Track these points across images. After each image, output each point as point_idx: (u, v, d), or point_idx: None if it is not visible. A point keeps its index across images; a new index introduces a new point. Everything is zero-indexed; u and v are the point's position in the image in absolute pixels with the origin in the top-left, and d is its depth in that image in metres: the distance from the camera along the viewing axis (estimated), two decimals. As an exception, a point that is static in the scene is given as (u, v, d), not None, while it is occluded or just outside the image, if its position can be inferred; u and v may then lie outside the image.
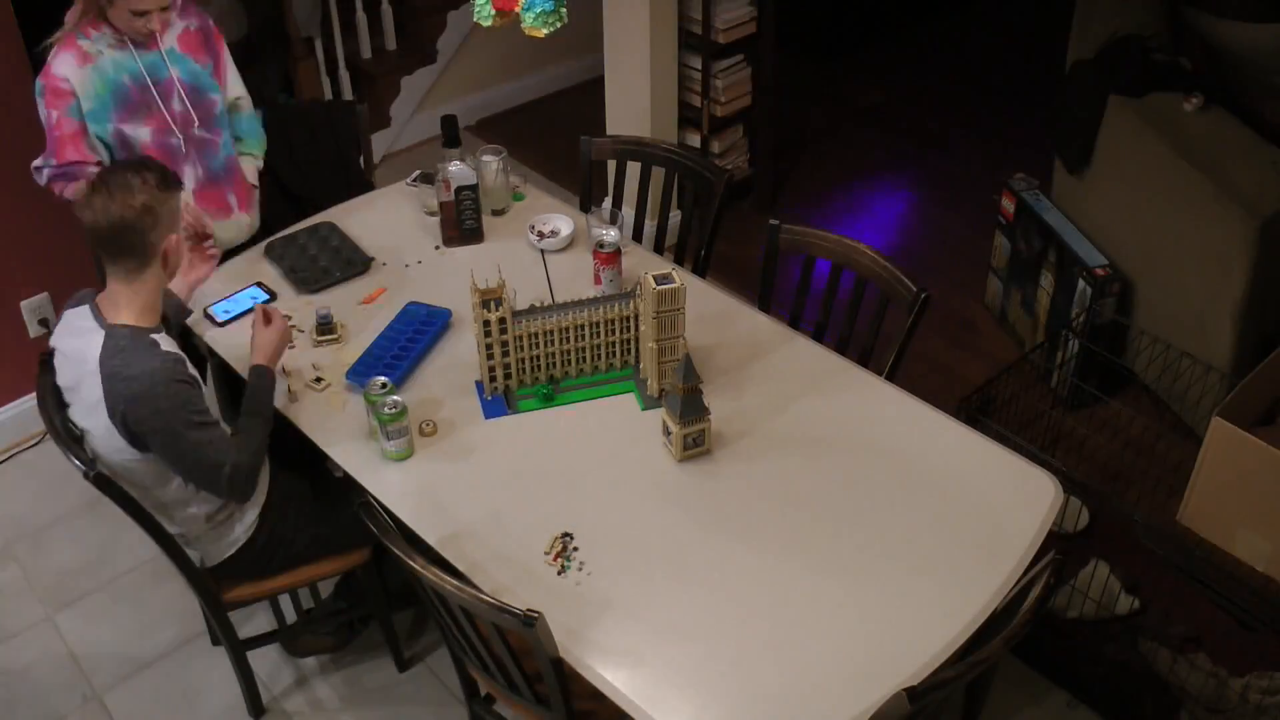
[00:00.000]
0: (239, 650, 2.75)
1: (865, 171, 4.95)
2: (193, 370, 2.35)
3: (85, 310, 2.37)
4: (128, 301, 2.33)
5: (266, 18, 4.50)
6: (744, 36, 4.23)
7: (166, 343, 2.36)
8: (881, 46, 5.79)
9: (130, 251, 2.27)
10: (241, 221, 3.11)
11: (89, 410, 2.33)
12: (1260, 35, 3.41)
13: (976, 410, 2.95)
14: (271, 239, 3.04)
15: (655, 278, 2.47)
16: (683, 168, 3.20)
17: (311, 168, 3.51)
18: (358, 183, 3.43)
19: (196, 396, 2.32)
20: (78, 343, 2.35)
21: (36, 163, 2.90)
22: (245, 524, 2.54)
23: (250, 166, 3.15)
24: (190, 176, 2.96)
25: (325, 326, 2.78)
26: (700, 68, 4.22)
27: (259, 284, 2.93)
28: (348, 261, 2.99)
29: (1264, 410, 3.02)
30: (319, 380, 2.65)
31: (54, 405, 2.47)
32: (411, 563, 2.06)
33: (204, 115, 2.95)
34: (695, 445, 2.40)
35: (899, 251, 4.40)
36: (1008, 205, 3.92)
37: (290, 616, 3.00)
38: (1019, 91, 5.31)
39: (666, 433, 2.42)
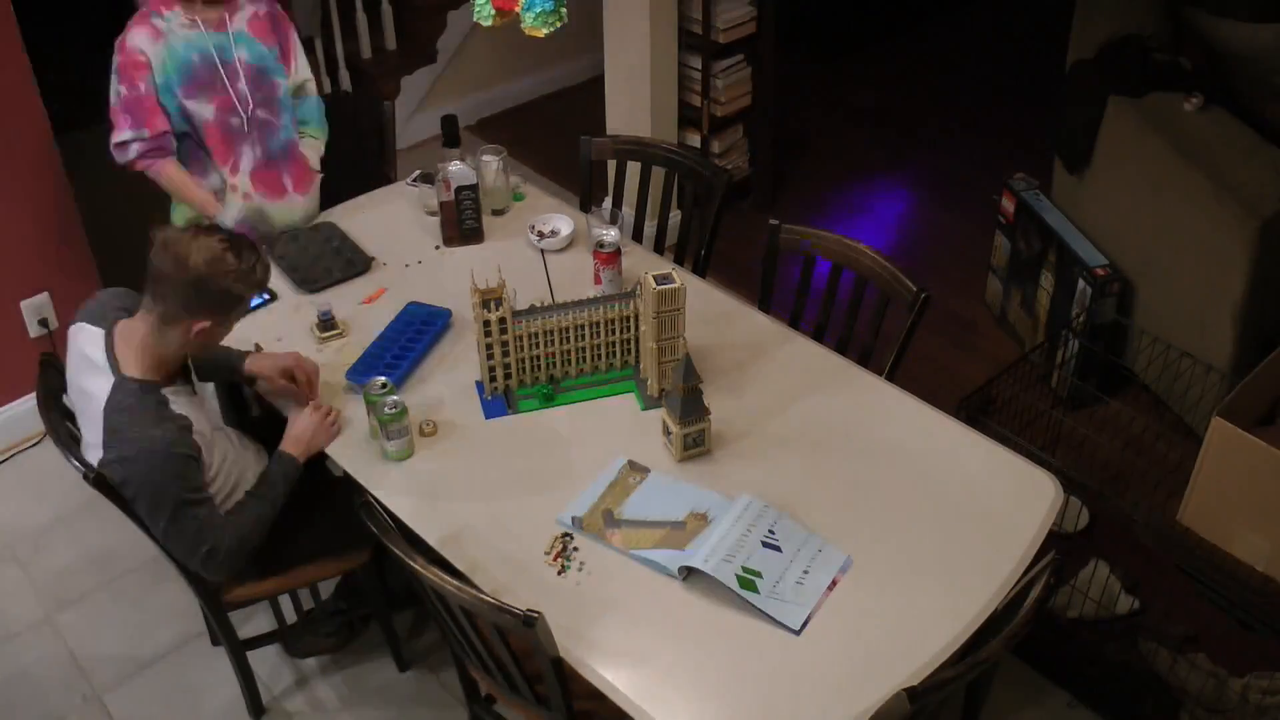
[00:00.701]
0: (239, 650, 2.75)
1: (865, 171, 4.95)
2: (197, 438, 2.29)
3: (100, 340, 2.31)
4: (143, 346, 2.28)
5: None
6: (744, 36, 4.23)
7: (178, 401, 2.30)
8: (882, 47, 5.79)
9: (167, 300, 2.23)
10: (295, 203, 3.14)
11: (89, 442, 2.34)
12: (1260, 35, 3.41)
13: (976, 410, 2.95)
14: (273, 236, 3.05)
15: (655, 278, 2.47)
16: (683, 168, 3.20)
17: (330, 160, 3.52)
18: (374, 178, 3.43)
19: (193, 472, 2.27)
20: (88, 378, 2.31)
21: (124, 137, 2.92)
22: None
23: (313, 151, 3.18)
24: (248, 157, 3.03)
25: (327, 323, 2.78)
26: (700, 68, 4.22)
27: None
28: (348, 261, 2.98)
29: (1264, 410, 3.02)
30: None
31: (54, 407, 2.47)
32: (411, 563, 2.06)
33: (266, 97, 3.02)
34: (695, 445, 2.40)
35: (899, 251, 4.40)
36: (1008, 205, 3.92)
37: (290, 617, 3.00)
38: (1019, 91, 5.31)
39: (667, 433, 2.42)
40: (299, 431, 2.48)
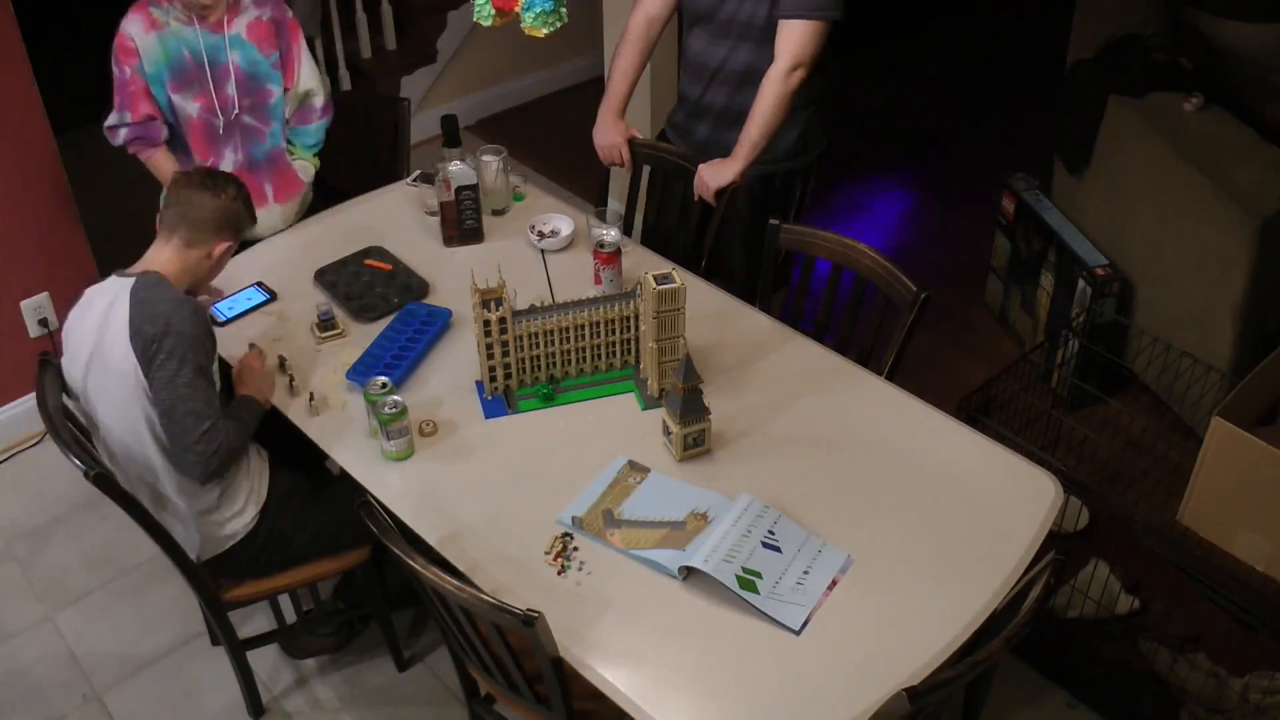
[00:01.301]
0: (238, 650, 2.75)
1: (865, 171, 4.95)
2: (213, 330, 2.44)
3: (111, 278, 2.44)
4: (164, 263, 2.44)
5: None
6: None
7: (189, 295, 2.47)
8: (882, 47, 5.79)
9: (193, 228, 2.45)
10: (273, 212, 3.15)
11: (109, 362, 2.35)
12: (1260, 35, 3.41)
13: (976, 410, 2.95)
14: (321, 267, 2.97)
15: (655, 277, 2.47)
16: (690, 176, 3.17)
17: (343, 158, 3.52)
18: (386, 176, 3.43)
19: (211, 348, 2.40)
20: (102, 302, 2.40)
21: (110, 121, 3.00)
22: (245, 520, 2.54)
23: (302, 171, 3.22)
24: (229, 160, 3.06)
25: (327, 323, 2.78)
26: (700, 68, 4.20)
27: (259, 284, 2.92)
28: (405, 287, 2.91)
29: (1264, 410, 3.02)
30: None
31: (54, 405, 2.47)
32: (411, 563, 2.06)
33: (256, 103, 3.05)
34: (695, 445, 2.40)
35: (899, 251, 4.40)
36: (1008, 205, 3.92)
37: (290, 617, 3.00)
38: (1019, 91, 5.31)
39: (667, 432, 2.42)
40: (250, 382, 2.58)
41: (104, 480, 2.34)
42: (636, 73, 3.20)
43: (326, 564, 2.68)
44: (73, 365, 2.45)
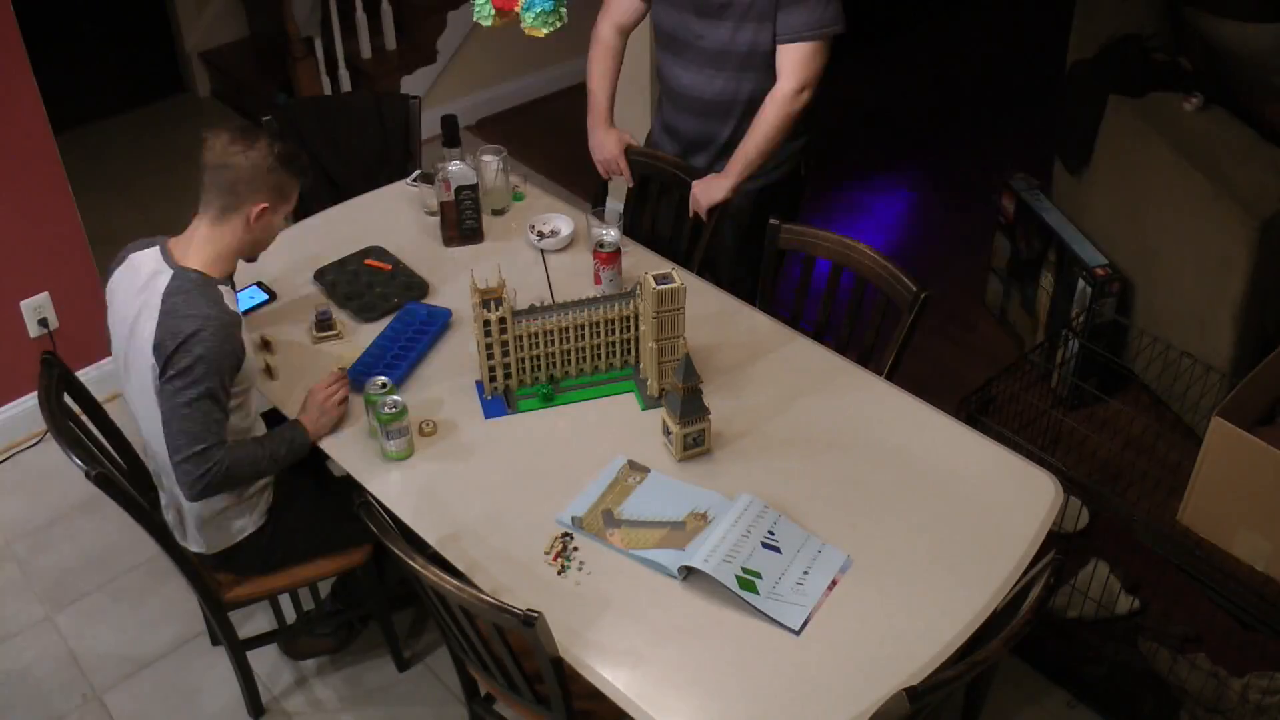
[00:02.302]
0: (239, 650, 2.75)
1: (865, 171, 4.95)
2: (244, 337, 2.36)
3: (155, 251, 2.40)
4: (202, 244, 2.38)
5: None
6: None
7: (230, 299, 2.39)
8: (882, 47, 5.79)
9: (226, 191, 2.35)
10: None
11: (139, 350, 2.34)
12: (1260, 35, 3.41)
13: (976, 410, 2.95)
14: (321, 267, 2.97)
15: (655, 278, 2.47)
16: (686, 187, 3.16)
17: (353, 156, 3.53)
18: (397, 174, 3.43)
19: (232, 369, 2.33)
20: (143, 278, 2.37)
21: None
22: (254, 518, 2.54)
23: None
24: None
25: (324, 323, 2.77)
26: (700, 68, 4.20)
27: (258, 284, 2.92)
28: (406, 286, 2.91)
29: (1264, 410, 3.02)
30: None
31: (56, 404, 2.47)
32: (411, 563, 2.06)
33: None
34: (695, 445, 2.40)
35: (899, 251, 4.40)
36: (1008, 205, 3.92)
37: (290, 616, 3.00)
38: (1019, 91, 5.31)
39: (667, 432, 2.42)
40: (311, 409, 2.51)
41: (104, 480, 2.33)
42: (614, 80, 3.21)
43: (328, 563, 2.68)
44: (115, 335, 2.45)
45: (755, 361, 2.67)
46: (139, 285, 2.37)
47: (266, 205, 2.38)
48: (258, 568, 2.61)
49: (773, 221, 2.95)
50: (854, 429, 2.49)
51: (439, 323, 2.77)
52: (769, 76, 2.94)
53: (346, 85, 4.82)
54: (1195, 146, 3.31)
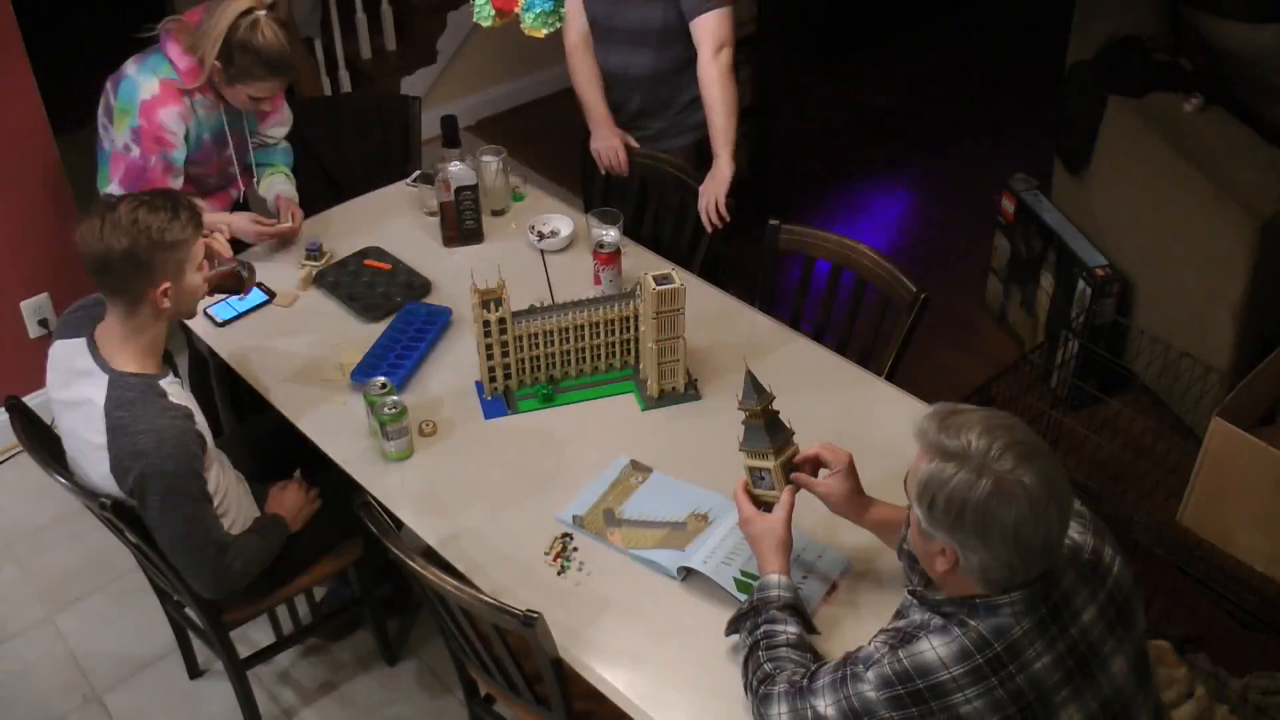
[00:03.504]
0: (240, 670, 2.72)
1: (865, 171, 4.95)
2: (200, 426, 2.28)
3: (83, 346, 2.27)
4: (124, 342, 2.25)
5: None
6: (744, 36, 4.22)
7: (175, 392, 2.28)
8: (881, 47, 5.79)
9: (119, 290, 2.19)
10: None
11: (91, 457, 2.28)
12: (1260, 35, 3.41)
13: (976, 410, 2.95)
14: (320, 269, 2.97)
15: (655, 278, 2.47)
16: (688, 190, 3.16)
17: (355, 156, 3.52)
18: (398, 174, 3.43)
19: (199, 463, 2.25)
20: (79, 386, 2.26)
21: (111, 192, 2.89)
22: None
23: (284, 182, 3.18)
24: (210, 204, 3.06)
25: (313, 254, 2.96)
26: (700, 68, 4.21)
27: (258, 284, 2.91)
28: (407, 285, 2.91)
29: (1264, 410, 3.02)
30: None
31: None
32: (411, 563, 2.06)
33: (243, 158, 3.10)
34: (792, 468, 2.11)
35: (899, 251, 4.40)
36: (1008, 205, 3.92)
37: (286, 628, 2.99)
38: (1019, 91, 5.31)
39: (759, 479, 2.08)
40: (285, 505, 2.56)
41: (121, 510, 2.29)
42: (600, 83, 3.25)
43: (327, 563, 2.67)
44: (57, 413, 2.35)
45: (755, 361, 2.66)
46: (74, 384, 2.27)
47: (168, 284, 2.20)
48: (262, 586, 2.55)
49: (772, 222, 2.95)
50: (854, 429, 2.49)
51: (440, 322, 2.77)
52: (686, 48, 3.11)
53: (346, 85, 4.82)
54: (1195, 146, 3.31)
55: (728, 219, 3.10)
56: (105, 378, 2.23)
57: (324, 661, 3.02)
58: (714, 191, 3.10)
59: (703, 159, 3.20)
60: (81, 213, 2.22)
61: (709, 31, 3.06)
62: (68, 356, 2.30)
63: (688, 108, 3.22)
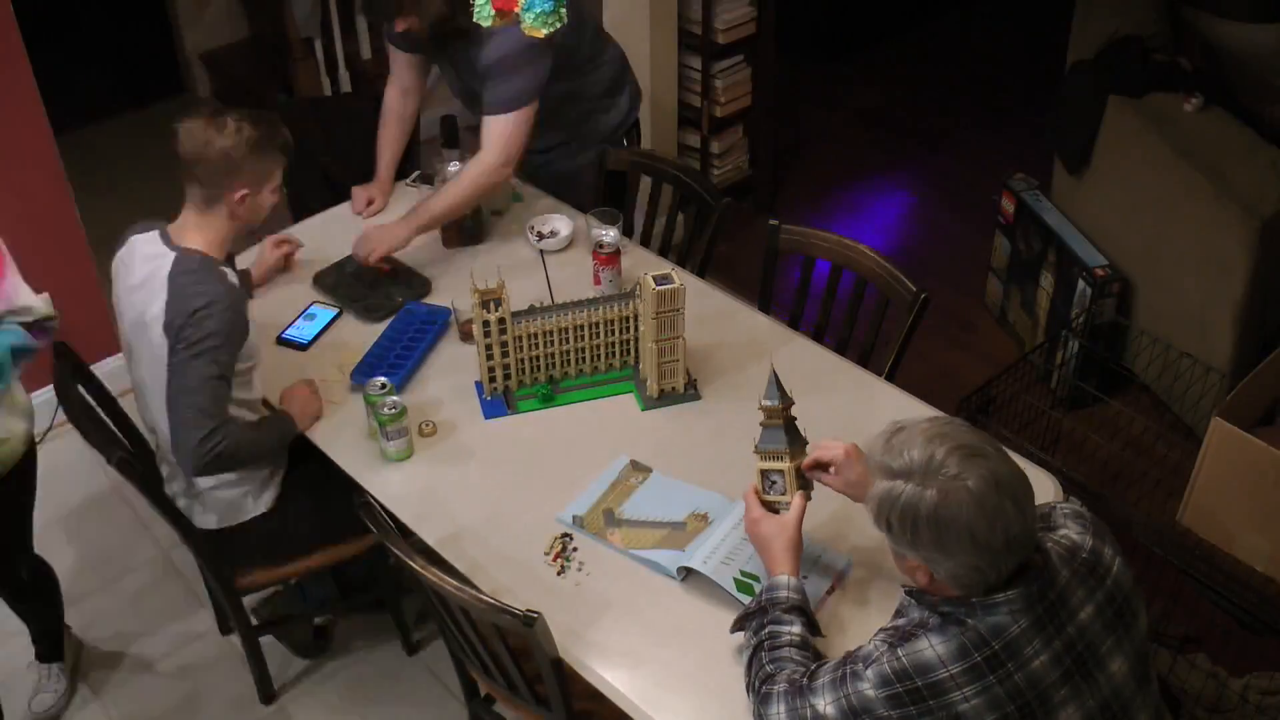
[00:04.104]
0: (252, 635, 2.78)
1: (865, 171, 4.95)
2: (249, 318, 2.39)
3: (154, 235, 2.42)
4: (195, 230, 2.40)
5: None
6: (744, 37, 4.23)
7: (233, 276, 2.41)
8: (881, 47, 5.79)
9: (204, 183, 2.36)
10: None
11: (148, 329, 2.35)
12: (1260, 35, 3.41)
13: (976, 410, 2.95)
14: (319, 271, 2.97)
15: (655, 278, 2.47)
16: (687, 189, 3.17)
17: (353, 156, 3.52)
18: (397, 174, 3.42)
19: (238, 344, 2.35)
20: (147, 259, 2.39)
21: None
22: (264, 500, 2.57)
23: None
24: None
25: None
26: (700, 68, 4.21)
27: (316, 303, 2.89)
28: (407, 285, 2.91)
29: (1264, 410, 3.02)
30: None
31: (71, 395, 2.50)
32: (411, 563, 2.06)
33: None
34: (809, 484, 2.11)
35: (899, 251, 4.40)
36: (1008, 205, 3.92)
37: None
38: (1019, 91, 5.30)
39: (770, 483, 2.07)
40: (293, 405, 2.55)
41: (126, 465, 2.37)
42: (399, 148, 3.20)
43: (335, 550, 2.69)
44: (121, 315, 2.47)
45: (755, 362, 2.67)
46: (143, 267, 2.39)
47: (247, 191, 2.39)
48: (263, 555, 2.62)
49: (772, 222, 2.95)
50: (854, 429, 2.48)
51: (440, 322, 2.77)
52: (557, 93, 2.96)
53: (346, 85, 4.82)
54: (1195, 146, 3.31)
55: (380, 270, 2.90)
56: (173, 254, 2.37)
57: (326, 660, 3.02)
58: (378, 243, 2.86)
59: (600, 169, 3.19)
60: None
61: (484, 132, 2.86)
62: (141, 244, 2.43)
63: (585, 119, 3.15)
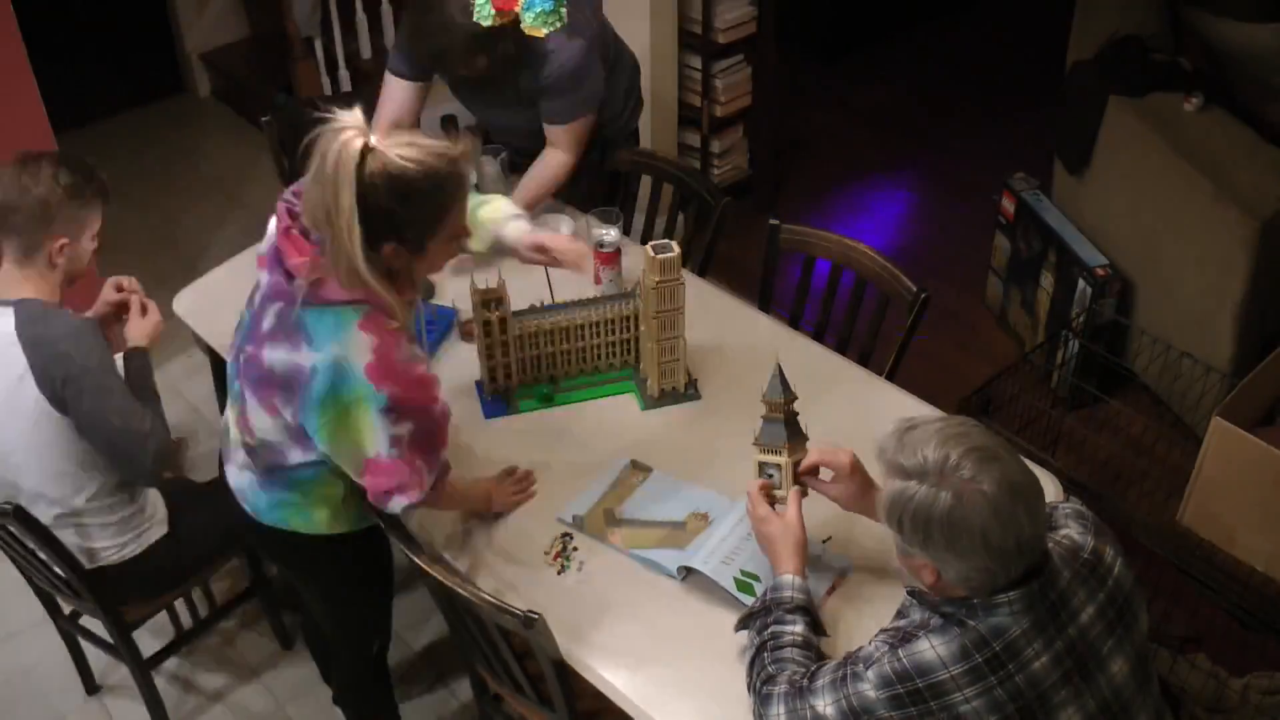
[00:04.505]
0: (144, 670, 2.73)
1: (865, 171, 4.95)
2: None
3: None
4: (20, 282, 2.33)
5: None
6: (744, 36, 4.23)
7: (75, 314, 2.36)
8: (881, 47, 5.79)
9: (21, 232, 2.30)
10: None
11: (12, 393, 2.28)
12: (1260, 35, 3.41)
13: (976, 410, 2.95)
14: None
15: (653, 246, 2.44)
16: (687, 189, 3.17)
17: None
18: None
19: (111, 363, 2.33)
20: None
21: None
22: (158, 521, 2.55)
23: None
24: None
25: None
26: (700, 68, 4.21)
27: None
28: None
29: (1264, 410, 3.02)
30: None
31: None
32: (416, 559, 2.06)
33: None
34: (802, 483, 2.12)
35: (899, 251, 4.39)
36: (1008, 205, 3.92)
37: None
38: (1019, 91, 5.30)
39: (766, 473, 2.10)
40: (145, 331, 2.52)
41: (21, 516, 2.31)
42: None
43: (217, 561, 2.71)
44: None
45: (755, 361, 2.67)
46: None
47: (65, 240, 2.33)
48: (169, 578, 2.59)
49: (772, 222, 2.95)
50: (854, 429, 2.48)
51: (444, 323, 2.77)
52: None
53: (346, 85, 4.82)
54: (1195, 146, 3.31)
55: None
56: (9, 308, 2.30)
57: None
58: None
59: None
60: None
61: (554, 137, 2.96)
62: None
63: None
